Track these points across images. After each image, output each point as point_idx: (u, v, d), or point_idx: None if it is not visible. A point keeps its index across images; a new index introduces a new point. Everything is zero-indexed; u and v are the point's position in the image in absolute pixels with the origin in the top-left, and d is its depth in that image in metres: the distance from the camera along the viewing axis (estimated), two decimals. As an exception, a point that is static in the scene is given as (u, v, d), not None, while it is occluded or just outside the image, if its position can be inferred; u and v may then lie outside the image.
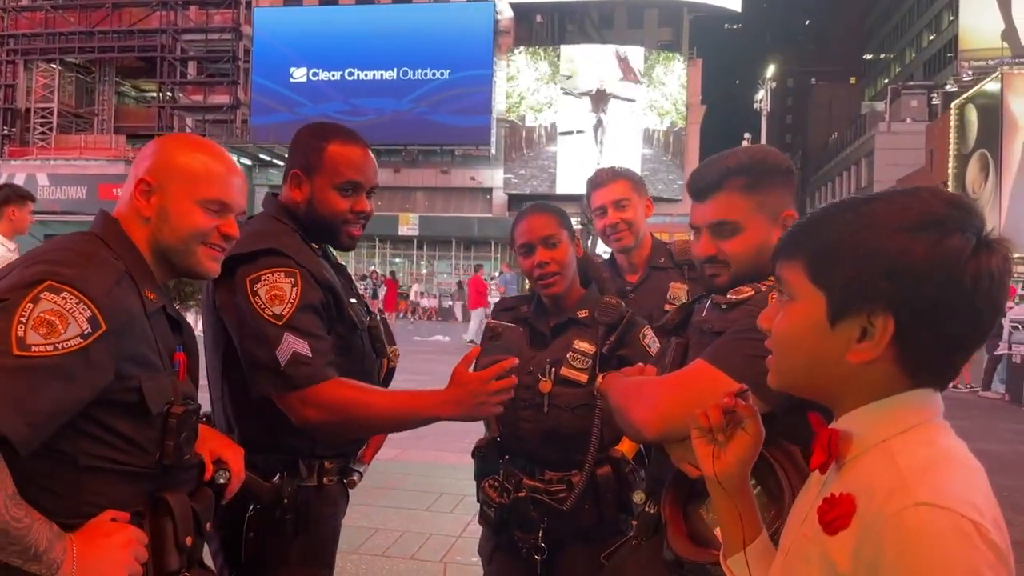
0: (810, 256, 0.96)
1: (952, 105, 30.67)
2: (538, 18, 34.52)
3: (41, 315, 1.26)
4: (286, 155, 2.07)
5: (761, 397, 1.40)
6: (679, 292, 2.78)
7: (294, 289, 1.78)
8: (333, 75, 34.24)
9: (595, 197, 2.95)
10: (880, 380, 0.93)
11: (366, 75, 34.12)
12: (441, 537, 4.57)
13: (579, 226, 2.50)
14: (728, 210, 1.60)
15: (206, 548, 1.67)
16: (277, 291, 1.77)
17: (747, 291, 1.59)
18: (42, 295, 1.27)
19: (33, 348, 1.24)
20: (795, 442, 1.41)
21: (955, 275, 0.88)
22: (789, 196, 1.64)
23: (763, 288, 1.57)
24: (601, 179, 2.96)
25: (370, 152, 2.02)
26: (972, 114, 28.82)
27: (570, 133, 31.47)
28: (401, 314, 27.24)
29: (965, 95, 29.92)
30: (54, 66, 36.64)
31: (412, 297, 29.03)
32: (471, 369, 1.77)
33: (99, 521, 1.34)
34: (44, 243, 1.46)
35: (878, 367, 0.92)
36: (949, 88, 34.63)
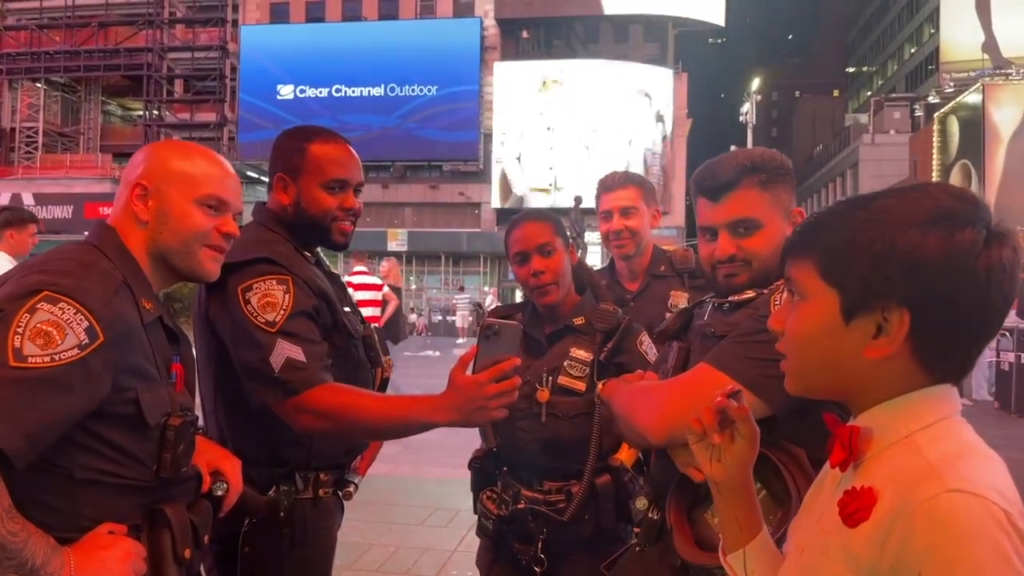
0: (821, 254, 0.96)
1: (934, 116, 30.98)
2: (524, 33, 34.74)
3: (38, 326, 1.24)
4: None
5: (765, 400, 1.40)
6: (680, 300, 2.75)
7: (286, 296, 1.77)
8: (320, 92, 34.34)
9: (603, 200, 2.94)
10: (898, 376, 0.93)
11: (353, 91, 34.24)
12: (436, 552, 4.53)
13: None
14: (748, 207, 1.58)
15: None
16: (270, 298, 1.75)
17: (749, 293, 1.59)
18: (39, 305, 1.25)
19: (30, 359, 1.22)
20: (800, 445, 1.41)
21: (969, 268, 0.88)
22: (794, 194, 1.65)
23: (765, 292, 1.56)
24: (611, 183, 2.95)
25: (352, 149, 2.01)
26: (954, 125, 29.13)
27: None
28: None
29: (947, 107, 30.24)
30: (39, 85, 36.57)
31: (460, 322, 27.65)
32: (469, 371, 1.67)
33: (96, 534, 1.32)
34: (40, 254, 1.44)
35: (895, 363, 0.92)
36: (931, 100, 34.97)
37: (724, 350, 1.50)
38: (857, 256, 0.92)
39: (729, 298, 1.62)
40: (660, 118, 32.20)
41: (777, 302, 1.49)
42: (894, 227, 0.90)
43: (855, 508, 0.88)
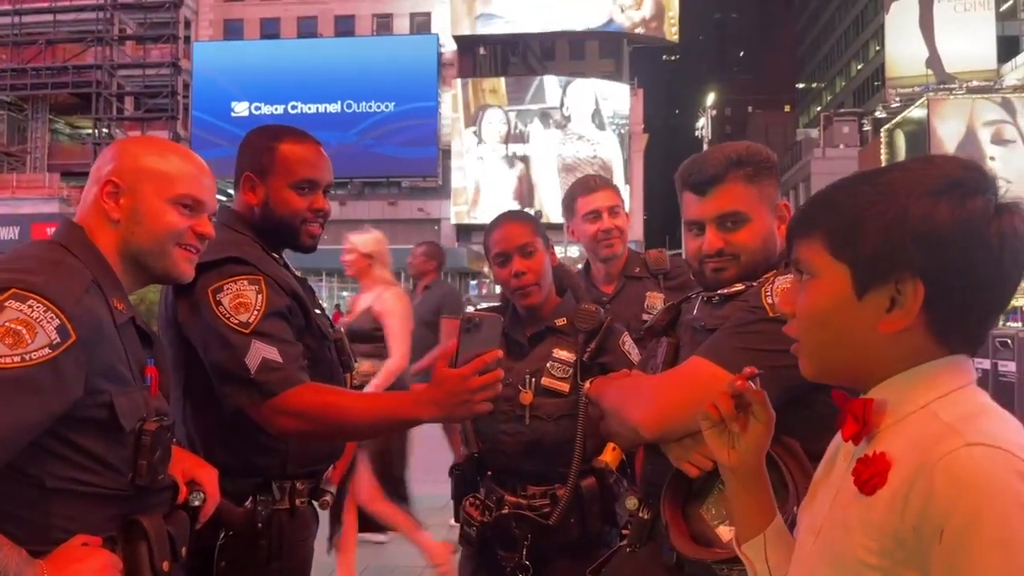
0: (829, 230, 0.95)
1: (882, 130, 31.89)
2: (481, 50, 34.91)
3: (7, 324, 1.18)
4: (233, 169, 1.98)
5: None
6: (656, 301, 2.76)
7: (259, 296, 1.71)
8: (276, 109, 33.99)
9: (585, 202, 2.90)
10: (913, 350, 0.92)
11: (310, 108, 33.98)
12: (405, 569, 4.45)
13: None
14: (735, 201, 1.57)
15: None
16: (242, 299, 1.70)
17: (739, 286, 1.58)
18: (7, 303, 1.19)
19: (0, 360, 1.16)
20: (794, 437, 1.40)
21: (981, 235, 0.88)
22: (779, 188, 1.65)
23: (755, 284, 1.55)
24: (593, 184, 2.95)
25: (322, 149, 1.97)
26: (900, 139, 30.01)
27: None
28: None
29: (893, 121, 31.15)
30: (-16, 104, 35.65)
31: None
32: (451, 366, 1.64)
33: (70, 546, 1.25)
34: (3, 253, 1.38)
35: (910, 336, 0.91)
36: (878, 114, 35.95)
37: (717, 341, 1.49)
38: (868, 229, 0.91)
39: (718, 291, 1.61)
40: (616, 130, 32.54)
41: (768, 294, 1.48)
42: (904, 197, 0.89)
43: (870, 475, 0.87)
